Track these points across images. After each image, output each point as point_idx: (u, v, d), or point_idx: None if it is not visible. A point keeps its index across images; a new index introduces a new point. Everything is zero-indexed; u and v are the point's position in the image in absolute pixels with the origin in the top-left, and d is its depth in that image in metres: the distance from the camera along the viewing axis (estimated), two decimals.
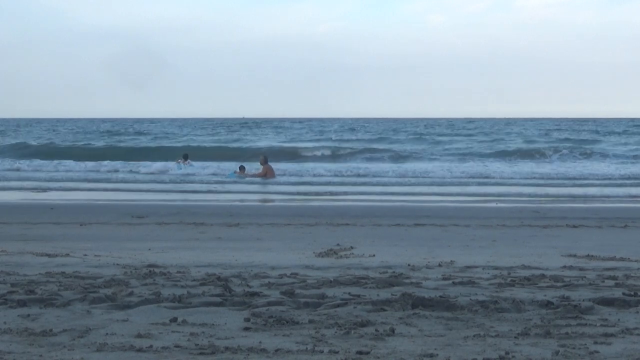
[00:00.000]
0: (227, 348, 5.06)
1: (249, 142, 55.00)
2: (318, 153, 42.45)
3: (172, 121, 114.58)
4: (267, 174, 28.06)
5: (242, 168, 29.08)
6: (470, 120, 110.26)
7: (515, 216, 15.10)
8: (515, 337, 5.36)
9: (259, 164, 29.42)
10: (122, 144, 51.65)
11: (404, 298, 6.53)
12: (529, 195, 21.50)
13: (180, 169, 31.04)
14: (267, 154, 31.55)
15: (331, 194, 22.06)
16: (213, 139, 58.61)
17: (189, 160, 31.87)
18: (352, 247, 10.53)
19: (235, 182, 26.56)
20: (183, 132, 71.53)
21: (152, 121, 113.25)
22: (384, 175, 29.56)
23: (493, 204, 18.72)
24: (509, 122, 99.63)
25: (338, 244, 10.83)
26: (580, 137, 57.30)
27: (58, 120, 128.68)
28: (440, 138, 56.64)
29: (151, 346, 5.10)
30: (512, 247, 10.77)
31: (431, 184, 26.10)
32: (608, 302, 6.48)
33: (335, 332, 5.50)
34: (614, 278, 7.82)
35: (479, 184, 26.30)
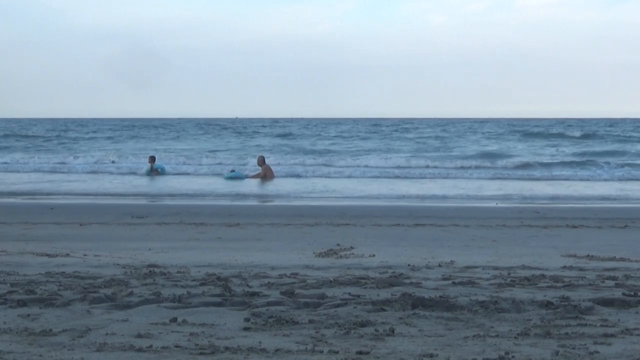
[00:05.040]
0: (227, 348, 5.06)
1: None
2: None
3: (151, 121, 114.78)
4: (267, 175, 28.04)
5: (232, 172, 29.10)
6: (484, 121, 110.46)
7: (515, 216, 15.11)
8: (515, 337, 5.36)
9: (256, 164, 29.44)
10: None
11: (404, 298, 6.53)
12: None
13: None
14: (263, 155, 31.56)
15: None
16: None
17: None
18: (352, 247, 10.53)
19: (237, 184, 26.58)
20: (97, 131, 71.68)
21: (140, 121, 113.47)
22: None
23: (493, 204, 18.72)
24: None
25: (338, 244, 10.84)
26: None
27: (54, 119, 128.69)
28: None
29: (151, 346, 5.10)
30: (512, 247, 10.78)
31: None
32: (608, 302, 6.48)
33: (335, 332, 5.50)
34: (614, 278, 7.82)
35: None
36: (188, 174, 31.43)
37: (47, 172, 31.96)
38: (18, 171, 32.65)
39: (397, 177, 29.48)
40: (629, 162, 34.65)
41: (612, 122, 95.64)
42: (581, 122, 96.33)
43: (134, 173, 31.00)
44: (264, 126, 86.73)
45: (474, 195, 21.70)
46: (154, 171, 30.28)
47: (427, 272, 8.30)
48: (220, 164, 35.68)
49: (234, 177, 28.08)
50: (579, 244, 11.03)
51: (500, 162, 34.56)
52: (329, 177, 29.66)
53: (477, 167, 32.72)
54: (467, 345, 5.18)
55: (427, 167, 33.22)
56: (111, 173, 31.50)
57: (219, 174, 30.19)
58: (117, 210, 16.12)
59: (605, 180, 28.18)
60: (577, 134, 59.12)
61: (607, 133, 61.59)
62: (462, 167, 32.65)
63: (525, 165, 33.24)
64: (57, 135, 64.56)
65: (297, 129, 76.64)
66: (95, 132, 71.65)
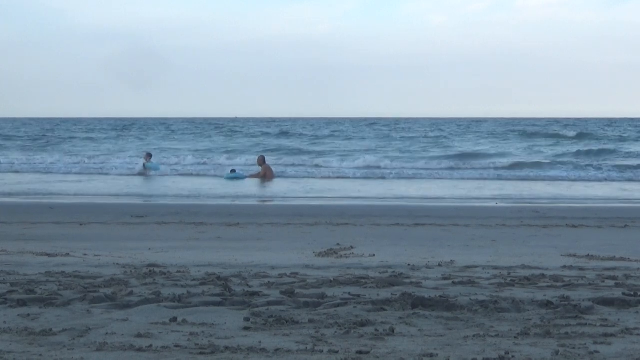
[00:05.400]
0: (227, 348, 5.06)
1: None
2: None
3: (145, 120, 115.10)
4: (266, 175, 28.05)
5: (232, 171, 29.11)
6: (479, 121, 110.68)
7: (515, 216, 15.10)
8: (515, 337, 5.36)
9: (257, 164, 29.43)
10: None
11: (404, 298, 6.53)
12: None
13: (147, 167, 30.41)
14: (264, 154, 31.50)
15: None
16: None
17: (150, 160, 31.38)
18: (352, 247, 10.53)
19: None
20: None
21: (135, 121, 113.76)
22: None
23: (493, 204, 18.72)
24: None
25: (338, 244, 10.83)
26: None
27: (52, 119, 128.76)
28: None
29: (151, 346, 5.10)
30: (512, 247, 10.78)
31: None
32: (608, 302, 6.48)
33: (335, 332, 5.49)
34: (614, 278, 7.82)
35: None
36: (182, 174, 31.15)
37: (27, 173, 31.37)
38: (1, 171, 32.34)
39: (382, 177, 29.20)
40: (618, 162, 34.29)
41: (609, 122, 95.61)
42: (578, 122, 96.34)
43: (105, 174, 30.58)
44: (256, 125, 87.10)
45: (469, 196, 21.69)
46: (147, 169, 30.30)
47: (427, 272, 8.29)
48: (205, 164, 35.34)
49: (235, 177, 28.08)
50: (579, 244, 11.03)
51: (485, 162, 34.28)
52: (312, 177, 29.38)
53: (458, 168, 32.22)
54: (467, 345, 5.18)
55: (393, 168, 32.74)
56: (99, 173, 31.05)
57: (211, 175, 30.00)
58: (116, 210, 16.12)
59: (594, 180, 27.90)
60: (571, 133, 58.90)
61: (603, 133, 61.37)
62: (451, 168, 32.24)
63: (516, 165, 32.93)
64: (42, 135, 64.71)
65: (289, 128, 76.81)
66: (86, 132, 71.90)
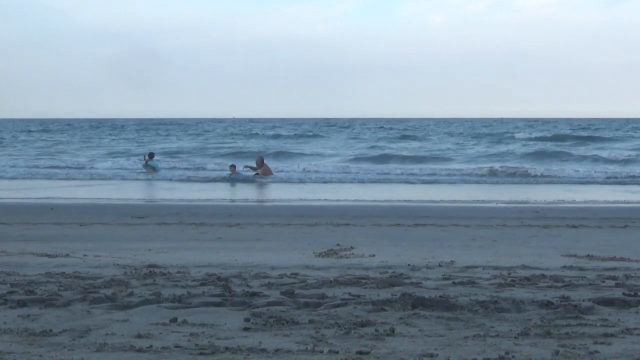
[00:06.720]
0: (227, 348, 5.06)
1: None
2: None
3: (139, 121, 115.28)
4: (265, 175, 28.10)
5: (232, 167, 29.07)
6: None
7: (515, 216, 15.10)
8: (515, 337, 5.36)
9: (255, 165, 29.46)
10: None
11: (404, 298, 6.53)
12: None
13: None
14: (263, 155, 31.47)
15: None
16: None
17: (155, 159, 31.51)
18: (352, 247, 10.53)
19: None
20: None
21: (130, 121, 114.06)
22: None
23: (493, 204, 18.71)
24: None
25: (338, 244, 10.83)
26: None
27: (52, 120, 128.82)
28: None
29: (151, 346, 5.10)
30: (512, 247, 10.77)
31: None
32: (608, 302, 6.48)
33: (335, 332, 5.50)
34: (614, 278, 7.82)
35: None
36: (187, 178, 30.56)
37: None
38: None
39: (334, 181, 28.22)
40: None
41: (603, 122, 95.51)
42: (564, 122, 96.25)
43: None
44: (233, 126, 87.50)
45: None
46: (149, 167, 30.58)
47: (427, 272, 8.30)
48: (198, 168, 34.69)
49: (235, 177, 28.11)
50: (579, 244, 11.03)
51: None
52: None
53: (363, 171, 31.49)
54: (467, 345, 5.18)
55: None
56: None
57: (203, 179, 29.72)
58: (117, 211, 16.12)
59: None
60: (534, 134, 58.42)
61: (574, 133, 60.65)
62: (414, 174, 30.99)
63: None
64: (15, 137, 64.80)
65: (267, 129, 76.86)
66: (63, 133, 72.11)
